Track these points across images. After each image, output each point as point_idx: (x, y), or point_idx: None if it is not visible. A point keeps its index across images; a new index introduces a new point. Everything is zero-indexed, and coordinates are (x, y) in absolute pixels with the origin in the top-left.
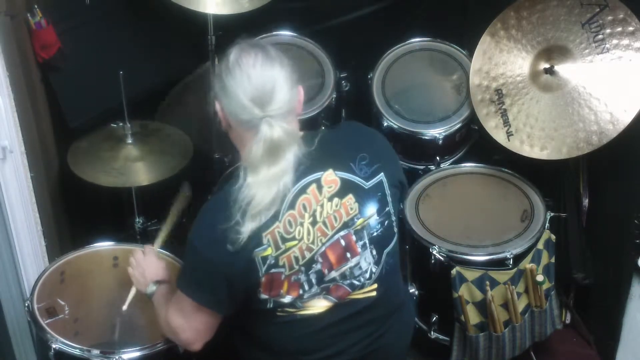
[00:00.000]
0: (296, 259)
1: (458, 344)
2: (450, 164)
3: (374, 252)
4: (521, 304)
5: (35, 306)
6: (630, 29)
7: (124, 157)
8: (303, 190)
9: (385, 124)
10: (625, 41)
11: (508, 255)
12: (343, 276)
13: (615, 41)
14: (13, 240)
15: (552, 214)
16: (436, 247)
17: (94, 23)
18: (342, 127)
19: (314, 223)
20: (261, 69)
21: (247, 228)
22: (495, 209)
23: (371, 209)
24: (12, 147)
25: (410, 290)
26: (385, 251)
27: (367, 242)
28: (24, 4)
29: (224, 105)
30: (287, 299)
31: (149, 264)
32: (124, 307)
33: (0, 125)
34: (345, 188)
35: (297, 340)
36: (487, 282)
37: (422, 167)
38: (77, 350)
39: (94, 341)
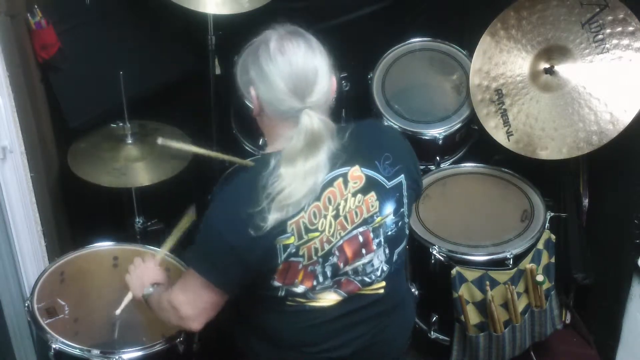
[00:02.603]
0: (316, 250)
1: (458, 344)
2: (450, 164)
3: (387, 251)
4: (521, 304)
5: (35, 306)
6: (630, 29)
7: (124, 157)
8: (330, 184)
9: (385, 124)
10: (625, 41)
11: (508, 255)
12: (355, 271)
13: (615, 41)
14: (13, 240)
15: (552, 214)
16: (436, 247)
17: (94, 23)
18: (367, 125)
19: (336, 216)
20: (304, 57)
21: (274, 216)
22: (495, 209)
23: (389, 208)
24: (12, 147)
25: (410, 290)
26: (396, 251)
27: (382, 240)
28: (24, 4)
29: (260, 92)
30: (300, 289)
31: (147, 267)
32: (117, 312)
33: (0, 125)
34: (369, 185)
35: (302, 332)
36: (487, 282)
37: (422, 167)
38: (77, 350)
39: (94, 341)
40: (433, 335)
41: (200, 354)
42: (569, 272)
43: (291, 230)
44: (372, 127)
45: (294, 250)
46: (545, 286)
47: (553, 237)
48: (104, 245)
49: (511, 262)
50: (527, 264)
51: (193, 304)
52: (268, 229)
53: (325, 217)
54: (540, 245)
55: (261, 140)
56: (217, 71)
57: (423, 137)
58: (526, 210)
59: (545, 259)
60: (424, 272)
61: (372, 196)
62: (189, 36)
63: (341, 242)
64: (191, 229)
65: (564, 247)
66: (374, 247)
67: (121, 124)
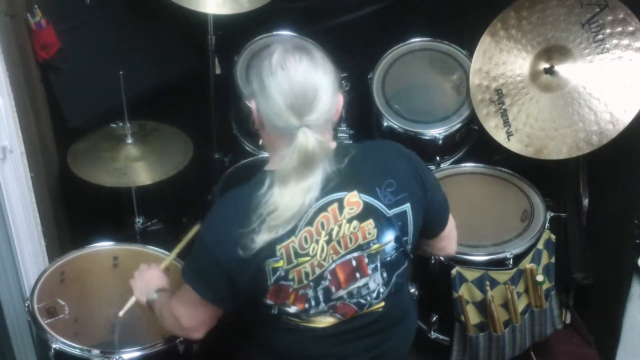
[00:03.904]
0: (306, 274)
1: (458, 344)
2: (450, 164)
3: (385, 275)
4: (521, 304)
5: (35, 306)
6: (630, 29)
7: (124, 157)
8: (324, 208)
9: (385, 124)
10: (625, 41)
11: (508, 255)
12: (350, 295)
13: (615, 41)
14: (13, 240)
15: (552, 214)
16: None
17: (94, 23)
18: (375, 147)
19: (328, 241)
20: (304, 74)
21: (262, 238)
22: (495, 209)
23: (389, 236)
24: (12, 147)
25: (411, 291)
26: (396, 273)
27: (378, 265)
28: (24, 4)
29: (260, 106)
30: (292, 309)
31: (152, 273)
32: (120, 314)
33: (0, 125)
34: (367, 212)
35: (297, 347)
36: (487, 282)
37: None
38: (77, 350)
39: (94, 341)
40: (433, 335)
41: (200, 354)
42: (569, 272)
43: (280, 254)
44: (380, 149)
45: (282, 273)
46: (545, 286)
47: (553, 237)
48: (104, 245)
49: (511, 262)
50: (527, 264)
51: (191, 316)
52: (256, 250)
53: (317, 242)
54: (540, 245)
55: (261, 140)
56: (217, 71)
57: (423, 137)
58: (526, 210)
59: (545, 259)
60: (424, 272)
61: (369, 223)
62: (189, 36)
63: (333, 265)
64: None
65: (564, 247)
66: (369, 271)
67: (121, 124)
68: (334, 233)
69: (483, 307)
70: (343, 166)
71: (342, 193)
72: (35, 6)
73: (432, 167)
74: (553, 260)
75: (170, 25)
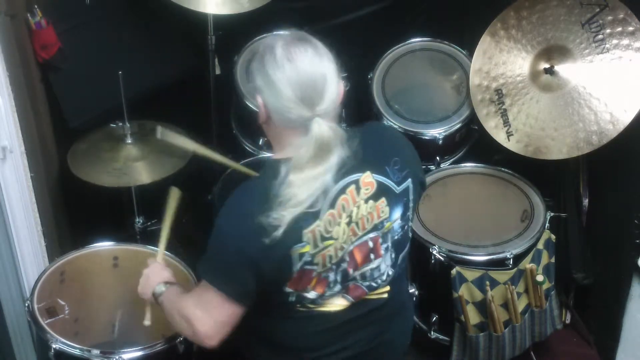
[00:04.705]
0: (330, 257)
1: (458, 344)
2: (450, 164)
3: (393, 256)
4: (521, 304)
5: (35, 306)
6: (630, 29)
7: (124, 157)
8: (343, 191)
9: (385, 124)
10: (625, 41)
11: (508, 255)
12: (363, 277)
13: (615, 41)
14: (13, 240)
15: (552, 214)
16: (436, 247)
17: (94, 23)
18: (373, 128)
19: (349, 223)
20: (311, 64)
21: (286, 223)
22: (495, 209)
23: (397, 213)
24: (12, 147)
25: (410, 291)
26: (401, 255)
27: (389, 245)
28: (24, 4)
29: (267, 101)
30: (311, 295)
31: (153, 269)
32: (146, 323)
33: (0, 125)
34: (380, 191)
35: (306, 337)
36: (487, 282)
37: (422, 167)
38: (77, 350)
39: (94, 341)
40: (433, 335)
41: (200, 354)
42: (569, 272)
43: (307, 239)
44: (378, 130)
45: (309, 259)
46: (545, 286)
47: (553, 237)
48: (104, 245)
49: (511, 262)
50: (527, 264)
51: (209, 319)
52: (281, 236)
53: (339, 224)
54: (540, 245)
55: (261, 140)
56: (217, 71)
57: (423, 137)
58: (526, 210)
59: (545, 259)
60: (424, 272)
61: (382, 202)
62: (189, 36)
63: (351, 247)
64: (182, 207)
65: (564, 247)
66: (382, 252)
67: (121, 124)
68: (353, 215)
69: (483, 307)
70: (355, 149)
71: (357, 174)
72: (35, 6)
73: (432, 167)
74: (553, 260)
75: (170, 25)
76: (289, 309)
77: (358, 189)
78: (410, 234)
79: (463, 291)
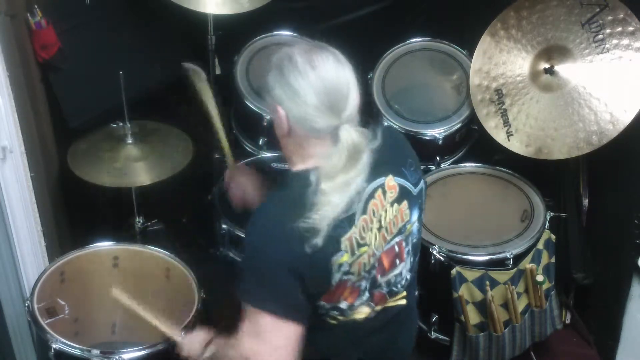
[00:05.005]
0: (364, 265)
1: (458, 344)
2: (450, 164)
3: (411, 259)
4: (521, 304)
5: (35, 306)
6: (630, 29)
7: (124, 157)
8: (372, 195)
9: (385, 124)
10: (625, 41)
11: (508, 255)
12: (388, 283)
13: (615, 41)
14: (13, 240)
15: (552, 214)
16: (436, 247)
17: (94, 23)
18: (385, 131)
19: (379, 228)
20: (335, 70)
21: (325, 229)
22: (495, 209)
23: (415, 214)
24: (12, 147)
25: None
26: (416, 258)
27: (410, 248)
28: (24, 4)
29: (290, 111)
30: (342, 305)
31: (185, 345)
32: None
33: (0, 125)
34: (402, 194)
35: (331, 348)
36: (487, 282)
37: (422, 167)
38: (77, 350)
39: (94, 341)
40: (433, 335)
41: None
42: (569, 272)
43: (345, 247)
44: (389, 132)
45: (347, 268)
46: (545, 286)
47: (553, 237)
48: (104, 245)
49: (511, 262)
50: (527, 264)
51: (269, 348)
52: (321, 245)
53: (371, 230)
54: (540, 245)
55: (261, 140)
56: (217, 71)
57: (423, 137)
58: (526, 210)
59: (545, 259)
60: (424, 272)
61: (404, 205)
62: (189, 36)
63: (380, 253)
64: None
65: (564, 247)
66: (405, 256)
67: (121, 124)
68: (383, 219)
69: (483, 307)
70: (377, 152)
71: (382, 178)
72: (35, 6)
73: (432, 167)
74: (553, 260)
75: (170, 25)
76: (317, 321)
77: (384, 192)
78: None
79: (463, 291)
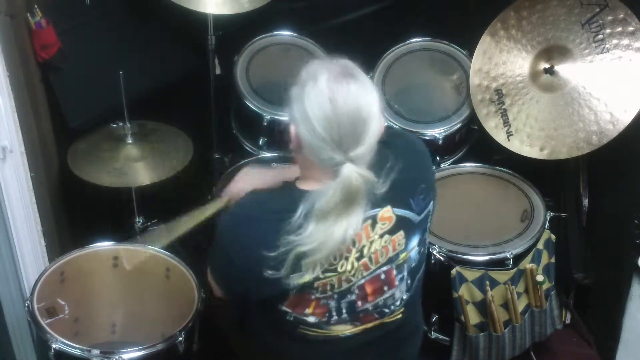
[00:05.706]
0: (332, 285)
1: (458, 344)
2: (450, 164)
3: (409, 282)
4: (521, 304)
5: (35, 306)
6: (630, 29)
7: (124, 157)
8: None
9: (385, 124)
10: (625, 41)
11: (508, 255)
12: (375, 306)
13: (615, 41)
14: (13, 240)
15: (552, 214)
16: (436, 247)
17: (94, 23)
18: (405, 146)
19: (359, 258)
20: (356, 102)
21: (290, 266)
22: (495, 209)
23: (414, 241)
24: (12, 147)
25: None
26: (417, 277)
27: (405, 274)
28: (24, 4)
29: (301, 135)
30: (310, 319)
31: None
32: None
33: (0, 125)
34: (399, 225)
35: (315, 357)
36: (487, 282)
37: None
38: (77, 350)
39: (94, 341)
40: (433, 335)
41: (200, 354)
42: (569, 272)
43: (306, 269)
44: (408, 147)
45: (307, 285)
46: (545, 286)
47: (553, 237)
48: (104, 245)
49: (511, 262)
50: (527, 264)
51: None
52: (282, 275)
53: (347, 259)
54: (540, 245)
55: (261, 140)
56: (217, 71)
57: (423, 137)
58: (526, 210)
59: (545, 259)
60: (424, 272)
61: (399, 235)
62: (189, 36)
63: (362, 281)
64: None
65: (564, 247)
66: (397, 282)
67: (121, 124)
68: (365, 250)
69: (483, 307)
70: (380, 185)
71: (375, 210)
72: (35, 6)
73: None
74: (553, 260)
75: (170, 25)
76: (291, 329)
77: (374, 224)
78: (426, 253)
79: (463, 291)
